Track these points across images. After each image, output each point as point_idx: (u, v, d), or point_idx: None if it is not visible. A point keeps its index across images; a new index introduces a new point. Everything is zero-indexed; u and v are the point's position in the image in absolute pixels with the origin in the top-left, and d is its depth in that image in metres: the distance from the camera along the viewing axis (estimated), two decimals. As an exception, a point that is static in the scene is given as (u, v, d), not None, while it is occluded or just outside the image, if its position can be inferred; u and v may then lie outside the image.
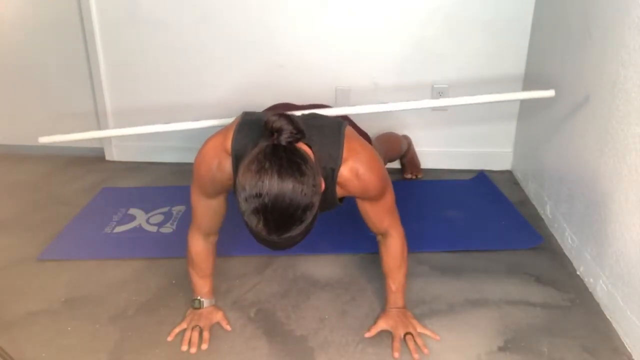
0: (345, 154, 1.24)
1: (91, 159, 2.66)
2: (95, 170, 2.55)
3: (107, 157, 2.68)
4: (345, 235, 1.86)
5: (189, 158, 2.59)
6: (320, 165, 1.19)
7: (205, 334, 1.41)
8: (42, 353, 1.38)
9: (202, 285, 1.48)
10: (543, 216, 2.03)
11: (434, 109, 2.41)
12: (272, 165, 1.02)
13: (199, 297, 1.48)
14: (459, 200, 2.18)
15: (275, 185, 1.01)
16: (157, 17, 2.39)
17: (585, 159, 1.67)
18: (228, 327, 1.46)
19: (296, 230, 1.05)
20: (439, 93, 2.38)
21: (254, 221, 1.04)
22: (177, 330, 1.44)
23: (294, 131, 1.07)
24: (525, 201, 2.17)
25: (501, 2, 2.23)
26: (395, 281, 1.44)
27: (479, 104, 1.60)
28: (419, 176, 2.38)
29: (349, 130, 1.30)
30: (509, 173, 2.45)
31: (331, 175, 1.23)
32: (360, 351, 1.38)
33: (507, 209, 2.07)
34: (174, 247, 1.84)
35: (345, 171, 1.25)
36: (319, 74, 2.41)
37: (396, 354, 1.35)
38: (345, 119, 1.63)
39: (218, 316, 1.48)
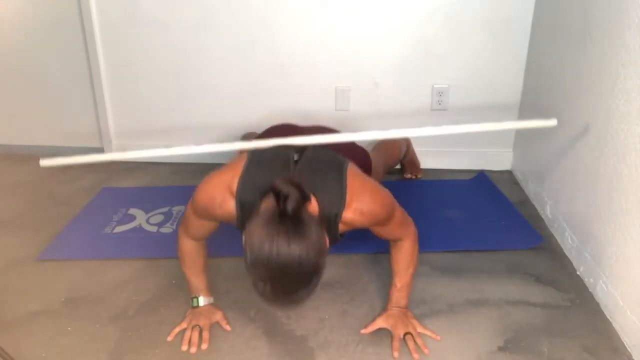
0: (348, 198, 1.25)
1: (91, 159, 2.66)
2: (95, 170, 2.55)
3: (107, 157, 2.68)
4: (345, 236, 1.85)
5: (189, 158, 2.61)
6: (324, 211, 1.22)
7: (205, 334, 1.41)
8: (42, 353, 1.38)
9: (198, 283, 1.49)
10: (543, 216, 2.03)
11: (433, 109, 2.41)
12: (279, 233, 1.04)
13: (196, 296, 1.49)
14: (459, 200, 2.18)
15: (282, 253, 1.03)
16: (157, 18, 2.39)
17: (585, 159, 1.68)
18: (227, 327, 1.46)
19: (302, 293, 1.09)
20: (439, 93, 2.38)
21: (260, 286, 1.07)
22: (177, 330, 1.44)
23: (300, 198, 1.08)
24: (525, 201, 2.17)
25: (501, 2, 2.23)
26: (402, 279, 1.44)
27: (478, 132, 1.60)
28: (419, 176, 2.38)
29: (350, 169, 1.30)
30: (509, 173, 2.45)
31: (334, 219, 1.25)
32: (360, 351, 1.38)
33: (507, 209, 2.07)
34: (174, 247, 1.82)
35: (349, 213, 1.26)
36: (319, 74, 2.41)
37: (395, 354, 1.35)
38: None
39: (217, 316, 1.48)
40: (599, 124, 1.58)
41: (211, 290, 1.52)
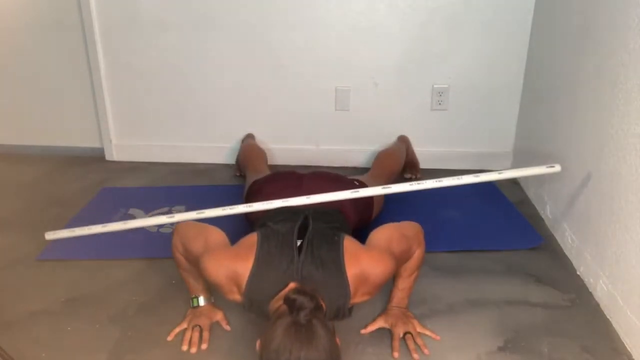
0: (352, 288, 1.27)
1: (91, 159, 2.66)
2: (95, 170, 2.55)
3: (107, 157, 2.68)
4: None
5: (189, 158, 2.61)
6: (332, 307, 1.26)
7: (205, 334, 1.41)
8: (42, 353, 1.38)
9: (195, 284, 1.49)
10: (543, 216, 2.02)
11: (433, 108, 2.41)
12: (295, 344, 1.07)
13: (195, 296, 1.49)
14: (459, 200, 2.17)
15: None
16: (157, 18, 2.39)
17: (585, 159, 1.67)
18: (227, 327, 1.46)
19: None
20: (439, 93, 2.38)
21: None
22: (177, 330, 1.44)
23: (313, 308, 1.12)
24: (525, 201, 2.17)
25: (501, 2, 2.23)
26: (405, 282, 1.44)
27: (480, 182, 1.59)
28: (418, 176, 2.38)
29: (346, 250, 1.30)
30: (509, 173, 2.45)
31: (343, 307, 1.28)
32: (360, 351, 1.38)
33: (507, 209, 2.07)
34: (171, 247, 1.84)
35: (356, 299, 1.30)
36: (319, 74, 2.41)
37: (395, 354, 1.35)
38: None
39: (218, 316, 1.48)
40: (599, 124, 1.58)
41: (211, 292, 1.52)
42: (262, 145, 2.46)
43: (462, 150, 2.48)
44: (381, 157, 2.28)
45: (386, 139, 2.45)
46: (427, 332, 1.42)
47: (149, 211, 2.10)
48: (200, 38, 2.40)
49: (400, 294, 1.45)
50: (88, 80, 2.56)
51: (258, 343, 1.16)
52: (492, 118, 2.42)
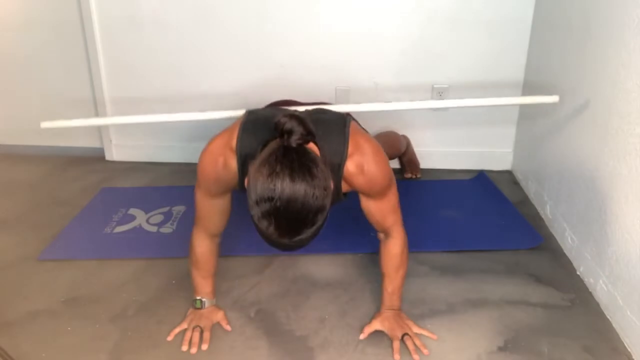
0: (350, 149, 1.24)
1: (91, 159, 2.66)
2: (95, 170, 2.55)
3: (107, 157, 2.68)
4: (345, 235, 1.86)
5: (189, 158, 2.61)
6: (327, 160, 1.18)
7: (206, 334, 1.41)
8: (42, 353, 1.38)
9: (205, 285, 1.48)
10: (543, 216, 2.03)
11: (434, 109, 2.41)
12: (284, 169, 1.01)
13: (200, 297, 1.48)
14: (459, 200, 2.17)
15: (287, 188, 1.00)
16: (157, 18, 2.38)
17: (585, 159, 1.68)
18: (228, 327, 1.46)
19: (307, 233, 1.05)
20: (439, 93, 2.38)
21: (264, 224, 1.03)
22: (177, 330, 1.44)
23: (304, 133, 1.06)
24: (525, 201, 2.17)
25: (501, 2, 2.23)
26: (393, 282, 1.43)
27: (482, 106, 1.60)
28: (418, 176, 2.38)
29: (353, 124, 1.30)
30: (509, 173, 2.45)
31: (337, 170, 1.23)
32: (360, 351, 1.38)
33: (507, 209, 2.07)
34: (174, 247, 1.84)
35: (350, 166, 1.25)
36: (319, 73, 2.41)
37: (397, 356, 1.35)
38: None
39: (219, 316, 1.48)
40: (599, 124, 1.58)
41: (216, 293, 1.52)
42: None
43: (462, 150, 2.48)
44: (382, 132, 2.27)
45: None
46: (425, 332, 1.42)
47: (149, 211, 2.10)
48: (201, 38, 2.40)
49: (389, 297, 1.44)
50: (88, 80, 2.56)
51: (246, 179, 1.09)
52: (492, 118, 2.42)
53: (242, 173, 1.24)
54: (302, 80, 2.43)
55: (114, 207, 2.14)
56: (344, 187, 1.29)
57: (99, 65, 2.49)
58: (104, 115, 2.58)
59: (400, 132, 2.45)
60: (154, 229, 1.98)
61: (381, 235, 1.44)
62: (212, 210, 1.39)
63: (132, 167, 2.57)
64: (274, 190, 1.00)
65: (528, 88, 2.30)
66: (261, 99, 2.48)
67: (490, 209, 2.08)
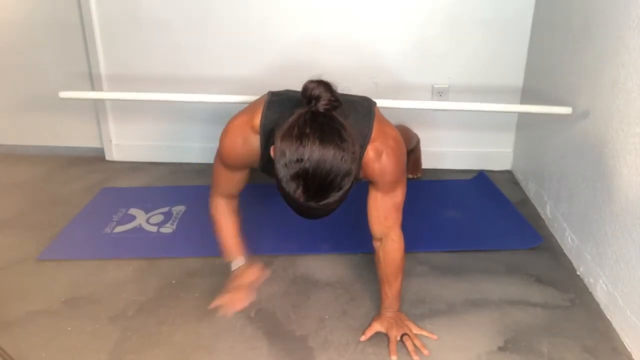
0: (374, 133, 1.24)
1: (91, 159, 2.66)
2: (95, 170, 2.55)
3: (107, 157, 2.68)
4: (345, 235, 1.86)
5: (189, 158, 2.61)
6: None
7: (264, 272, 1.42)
8: (42, 353, 1.38)
9: (233, 245, 1.45)
10: (543, 216, 2.03)
11: (434, 109, 2.41)
12: (314, 131, 1.01)
13: (230, 261, 1.46)
14: (459, 200, 2.18)
15: (316, 150, 1.00)
16: (157, 18, 2.38)
17: (585, 159, 1.68)
18: (267, 273, 1.45)
19: (334, 197, 1.04)
20: (439, 93, 2.38)
21: (292, 187, 1.03)
22: (218, 302, 1.41)
23: (332, 99, 1.06)
24: (525, 201, 2.17)
25: (501, 2, 2.23)
26: (392, 288, 1.42)
27: (495, 112, 1.58)
28: (419, 175, 2.38)
29: (378, 111, 1.30)
30: (509, 173, 2.45)
31: (361, 149, 1.21)
32: (360, 351, 1.38)
33: (507, 209, 2.07)
34: (174, 247, 1.84)
35: (371, 151, 1.24)
36: (319, 74, 2.40)
37: (394, 357, 1.35)
38: None
39: (255, 273, 1.44)
40: (599, 124, 1.58)
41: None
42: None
43: (462, 150, 2.48)
44: (397, 124, 2.26)
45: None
46: (424, 333, 1.42)
47: (149, 211, 2.10)
48: (201, 38, 2.40)
49: (390, 300, 1.43)
50: (88, 80, 2.56)
51: (272, 148, 1.07)
52: (492, 118, 2.42)
53: (265, 149, 1.22)
54: (302, 80, 2.41)
55: (114, 207, 2.14)
56: (363, 171, 1.27)
57: (98, 65, 2.48)
58: (104, 115, 2.58)
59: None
60: (154, 229, 1.98)
61: (377, 243, 1.41)
62: (229, 180, 1.39)
63: (132, 167, 2.57)
64: (303, 152, 1.00)
65: (528, 88, 2.30)
66: (261, 99, 2.48)
67: (490, 209, 2.08)
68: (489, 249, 1.82)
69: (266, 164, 1.23)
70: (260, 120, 1.24)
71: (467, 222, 1.99)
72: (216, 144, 2.73)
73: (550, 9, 2.06)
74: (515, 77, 2.33)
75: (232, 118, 1.32)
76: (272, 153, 1.08)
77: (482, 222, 1.99)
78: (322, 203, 1.04)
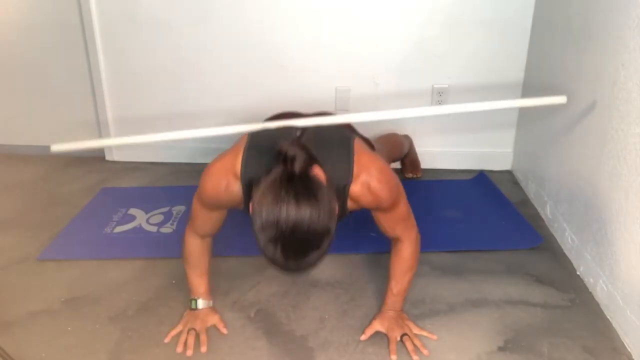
0: (356, 170, 1.24)
1: (91, 159, 2.66)
2: (95, 170, 2.55)
3: (107, 157, 2.68)
4: (345, 235, 1.85)
5: (189, 158, 2.61)
6: (333, 183, 1.19)
7: (202, 337, 1.41)
8: (42, 353, 1.38)
9: (199, 285, 1.47)
10: (543, 216, 2.02)
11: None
12: (288, 193, 1.02)
13: (195, 298, 1.48)
14: (459, 200, 2.17)
15: (292, 213, 1.01)
16: (157, 18, 2.38)
17: (585, 159, 1.68)
18: (224, 330, 1.45)
19: (314, 256, 1.06)
20: (439, 93, 2.38)
21: (271, 249, 1.05)
22: (173, 332, 1.44)
23: (307, 158, 1.08)
24: (525, 201, 2.17)
25: (501, 2, 2.23)
26: (399, 284, 1.43)
27: (486, 110, 1.57)
28: (419, 175, 2.38)
29: (357, 143, 1.30)
30: (509, 173, 2.45)
31: (342, 192, 1.23)
32: (360, 351, 1.38)
33: (507, 209, 2.07)
34: (174, 247, 1.83)
35: (357, 187, 1.25)
36: (319, 74, 2.41)
37: (393, 357, 1.35)
38: (347, 126, 1.64)
39: (214, 319, 1.47)
40: (599, 124, 1.58)
41: (212, 293, 1.51)
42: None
43: (462, 150, 2.48)
44: (384, 135, 2.27)
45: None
46: (424, 333, 1.42)
47: (149, 211, 2.10)
48: (201, 38, 2.40)
49: (393, 298, 1.44)
50: (88, 80, 2.56)
51: (250, 204, 1.09)
52: (492, 118, 2.42)
53: (247, 197, 1.23)
54: (303, 80, 2.43)
55: (114, 207, 2.14)
56: (351, 206, 1.29)
57: (98, 65, 2.48)
58: (104, 113, 2.58)
59: (402, 133, 2.45)
60: (154, 229, 1.98)
61: (393, 241, 1.44)
62: (207, 219, 1.40)
63: (132, 167, 2.57)
64: (279, 215, 1.01)
65: (528, 88, 2.30)
66: (262, 99, 2.49)
67: (490, 209, 2.08)
68: (489, 249, 1.82)
69: (248, 205, 1.24)
70: (241, 169, 1.24)
71: (467, 222, 1.99)
72: (216, 144, 2.74)
73: (550, 9, 2.06)
74: (515, 77, 2.33)
75: (213, 161, 1.32)
76: (250, 210, 1.10)
77: (482, 222, 1.99)
78: (302, 263, 1.07)
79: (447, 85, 2.37)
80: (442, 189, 2.30)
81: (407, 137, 2.42)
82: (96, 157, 2.68)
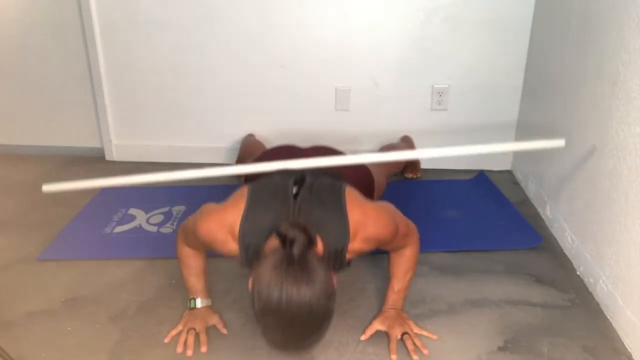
0: (352, 230, 1.24)
1: (91, 159, 2.66)
2: (95, 170, 2.55)
3: (107, 157, 2.68)
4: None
5: (188, 158, 2.60)
6: (330, 248, 1.21)
7: (202, 337, 1.41)
8: (42, 353, 1.38)
9: (196, 283, 1.47)
10: (543, 216, 2.02)
11: (433, 110, 2.41)
12: (288, 279, 1.04)
13: (193, 297, 1.48)
14: (459, 200, 2.18)
15: (292, 300, 1.03)
16: (157, 18, 2.38)
17: (585, 159, 1.67)
18: (224, 330, 1.45)
19: (313, 339, 1.09)
20: (439, 93, 2.38)
21: (270, 334, 1.08)
22: (173, 332, 1.43)
23: (306, 241, 1.09)
24: (525, 201, 2.17)
25: (501, 2, 2.23)
26: (400, 283, 1.43)
27: (480, 154, 1.55)
28: (419, 175, 2.38)
29: (349, 196, 1.28)
30: (509, 173, 2.45)
31: (341, 253, 1.24)
32: (360, 351, 1.38)
33: (507, 209, 2.07)
34: (174, 247, 1.83)
35: (355, 244, 1.26)
36: (320, 74, 2.41)
37: (393, 356, 1.35)
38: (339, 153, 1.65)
39: (214, 319, 1.46)
40: (599, 124, 1.58)
41: (210, 292, 1.51)
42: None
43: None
44: (384, 148, 2.26)
45: (386, 139, 2.45)
46: (425, 333, 1.42)
47: (149, 211, 2.10)
48: (200, 38, 2.40)
49: (395, 296, 1.44)
50: (88, 80, 2.56)
51: (250, 281, 1.11)
52: (492, 118, 2.42)
53: (245, 258, 1.24)
54: (303, 80, 2.43)
55: (114, 207, 2.14)
56: (350, 256, 1.29)
57: (98, 65, 2.48)
58: (104, 115, 2.58)
59: (402, 133, 2.45)
60: (154, 229, 1.98)
61: None
62: (198, 245, 1.39)
63: (132, 167, 2.57)
64: (279, 301, 1.03)
65: (528, 88, 2.30)
66: (262, 99, 2.49)
67: (490, 209, 2.08)
68: (489, 249, 1.82)
69: (246, 263, 1.25)
70: (239, 233, 1.23)
71: (467, 222, 1.99)
72: (217, 144, 2.74)
73: (550, 9, 2.06)
74: (515, 77, 2.33)
75: (211, 210, 1.30)
76: (249, 287, 1.12)
77: (482, 222, 1.99)
78: (303, 345, 1.10)
79: (447, 85, 2.37)
80: (442, 189, 2.30)
81: (406, 140, 2.42)
82: (96, 157, 2.68)
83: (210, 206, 1.33)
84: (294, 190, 1.27)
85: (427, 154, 1.49)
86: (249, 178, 1.78)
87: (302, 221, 1.14)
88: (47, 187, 1.59)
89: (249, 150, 2.30)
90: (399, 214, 1.38)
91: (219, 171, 1.54)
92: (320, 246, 1.18)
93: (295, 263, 1.05)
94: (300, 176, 1.31)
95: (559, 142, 1.54)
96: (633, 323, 1.35)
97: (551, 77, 2.02)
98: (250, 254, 1.22)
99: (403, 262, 1.41)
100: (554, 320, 1.48)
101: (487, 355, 1.36)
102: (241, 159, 2.36)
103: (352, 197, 1.29)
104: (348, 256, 1.27)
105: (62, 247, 1.87)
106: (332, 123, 2.49)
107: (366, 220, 1.26)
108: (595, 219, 1.58)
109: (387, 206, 1.36)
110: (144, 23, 2.40)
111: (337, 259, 1.23)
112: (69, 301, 1.59)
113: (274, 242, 1.13)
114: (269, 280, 1.04)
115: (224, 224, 1.25)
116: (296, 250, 1.06)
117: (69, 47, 2.53)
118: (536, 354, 1.35)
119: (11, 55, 2.62)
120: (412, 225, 1.42)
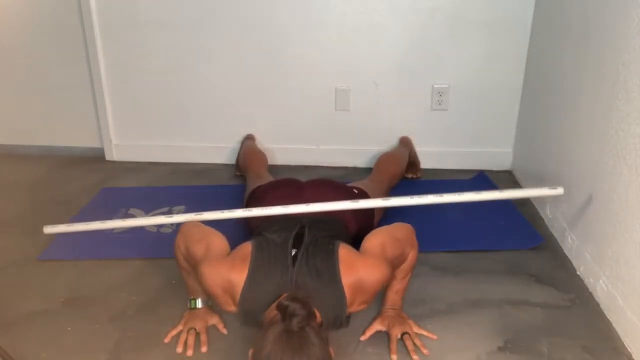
0: (348, 298, 1.26)
1: (91, 159, 2.66)
2: (95, 170, 2.55)
3: (107, 157, 2.68)
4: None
5: (189, 158, 2.61)
6: (328, 318, 1.25)
7: (203, 337, 1.41)
8: (42, 353, 1.38)
9: (195, 284, 1.47)
10: (543, 216, 2.02)
11: (433, 110, 2.41)
12: (286, 351, 1.06)
13: (194, 297, 1.48)
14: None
15: None
16: (157, 18, 2.39)
17: (585, 159, 1.67)
18: (224, 330, 1.45)
19: None
20: (439, 93, 2.38)
21: None
22: (173, 332, 1.44)
23: (305, 315, 1.11)
24: (525, 201, 2.17)
25: (501, 2, 2.23)
26: (399, 283, 1.44)
27: (482, 200, 1.59)
28: (419, 175, 2.38)
29: (342, 258, 1.30)
30: (509, 173, 2.45)
31: (340, 317, 1.27)
32: (360, 351, 1.38)
33: (507, 209, 2.07)
34: (173, 247, 1.84)
35: (354, 307, 1.29)
36: (319, 74, 2.41)
37: (394, 356, 1.35)
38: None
39: (214, 319, 1.47)
40: (599, 125, 1.58)
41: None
42: (262, 146, 2.47)
43: (462, 150, 2.48)
44: (382, 160, 2.26)
45: (386, 139, 2.45)
46: (424, 333, 1.42)
47: (149, 211, 2.10)
48: (200, 38, 2.40)
49: (394, 296, 1.45)
50: (88, 80, 2.56)
51: (250, 352, 1.15)
52: (492, 118, 2.42)
53: (244, 320, 1.30)
54: (303, 80, 2.43)
55: (114, 207, 2.14)
56: (354, 312, 1.33)
57: (98, 65, 2.49)
58: (104, 115, 2.58)
59: (402, 133, 2.45)
60: (154, 229, 1.98)
61: None
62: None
63: (132, 167, 2.57)
64: None
65: (528, 88, 2.30)
66: (262, 99, 2.49)
67: (490, 209, 2.08)
68: (489, 249, 1.82)
69: (245, 319, 1.30)
70: (240, 299, 1.26)
71: (467, 222, 1.99)
72: (217, 144, 2.73)
73: (550, 10, 2.06)
74: (516, 77, 2.33)
75: (214, 263, 1.32)
76: (249, 358, 1.14)
77: (482, 222, 1.99)
78: None
79: (447, 85, 2.37)
80: (442, 189, 2.29)
81: (405, 141, 2.42)
82: (96, 157, 2.68)
83: (217, 252, 1.35)
84: (293, 252, 1.31)
85: (433, 200, 1.53)
86: (251, 196, 1.82)
87: (301, 295, 1.18)
88: (48, 229, 1.65)
89: (249, 160, 2.31)
90: (390, 238, 1.38)
91: (227, 215, 1.58)
92: (318, 316, 1.21)
93: (294, 336, 1.09)
94: (298, 232, 1.37)
95: (558, 191, 1.57)
96: (633, 323, 1.35)
97: (552, 77, 2.02)
98: (250, 320, 1.28)
99: (403, 265, 1.42)
100: (554, 320, 1.48)
101: (487, 355, 1.36)
102: (241, 164, 2.36)
103: (346, 260, 1.30)
104: (349, 311, 1.30)
105: (62, 247, 1.87)
106: (332, 123, 2.49)
107: (362, 282, 1.28)
108: (595, 219, 1.58)
109: (379, 246, 1.35)
110: (144, 23, 2.40)
111: (335, 324, 1.28)
112: (69, 301, 1.59)
113: (273, 312, 1.17)
114: (269, 353, 1.07)
115: (226, 286, 1.28)
116: (295, 324, 1.09)
117: (69, 47, 2.54)
118: (536, 354, 1.35)
119: (11, 56, 2.62)
120: (409, 230, 1.43)
